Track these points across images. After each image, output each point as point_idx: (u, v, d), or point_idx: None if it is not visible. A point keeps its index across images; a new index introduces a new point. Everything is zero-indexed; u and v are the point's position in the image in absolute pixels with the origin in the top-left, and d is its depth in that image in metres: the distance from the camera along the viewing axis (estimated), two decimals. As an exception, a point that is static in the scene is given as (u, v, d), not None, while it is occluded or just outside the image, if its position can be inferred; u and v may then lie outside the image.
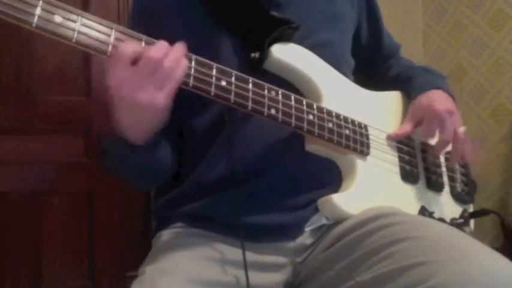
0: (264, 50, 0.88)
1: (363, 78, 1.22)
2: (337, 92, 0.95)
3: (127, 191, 1.92)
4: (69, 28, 0.68)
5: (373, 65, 1.20)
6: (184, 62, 0.74)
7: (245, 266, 0.84)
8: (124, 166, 0.90)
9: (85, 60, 1.91)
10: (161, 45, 0.72)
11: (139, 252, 1.04)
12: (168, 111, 0.77)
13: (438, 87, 1.04)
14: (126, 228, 1.96)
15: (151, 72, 0.71)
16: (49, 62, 1.88)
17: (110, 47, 0.71)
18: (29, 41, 1.85)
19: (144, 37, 0.74)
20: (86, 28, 0.69)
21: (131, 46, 0.70)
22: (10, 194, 1.84)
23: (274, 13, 0.91)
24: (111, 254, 1.94)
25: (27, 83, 1.86)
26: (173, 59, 0.72)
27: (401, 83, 1.12)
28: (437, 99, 1.00)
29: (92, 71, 1.93)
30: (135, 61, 0.71)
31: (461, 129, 1.01)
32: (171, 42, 0.76)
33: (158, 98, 0.72)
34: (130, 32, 0.73)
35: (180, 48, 0.74)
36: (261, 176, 0.91)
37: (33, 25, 0.66)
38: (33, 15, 0.66)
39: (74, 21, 0.69)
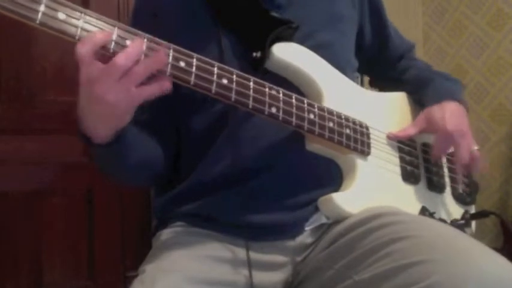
0: (265, 49, 0.88)
1: (375, 79, 1.23)
2: (338, 92, 0.95)
3: (127, 191, 1.92)
4: (72, 25, 0.69)
5: (382, 65, 1.19)
6: (160, 76, 0.73)
7: (249, 265, 0.85)
8: (103, 166, 0.90)
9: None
10: (132, 52, 0.70)
11: (139, 252, 1.04)
12: (132, 113, 0.76)
13: (454, 98, 1.04)
14: (126, 228, 1.96)
15: (119, 77, 0.70)
16: (49, 62, 1.88)
17: (113, 44, 0.71)
18: (29, 41, 1.85)
19: (146, 35, 0.74)
20: (89, 25, 0.70)
21: (89, 43, 0.68)
22: (10, 194, 1.83)
23: (274, 14, 0.91)
24: (111, 254, 1.94)
25: (27, 83, 1.86)
26: (144, 67, 0.71)
27: (417, 86, 1.11)
28: (452, 116, 1.00)
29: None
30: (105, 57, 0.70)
31: (474, 149, 1.02)
32: (173, 42, 0.76)
33: (124, 100, 0.72)
34: (133, 30, 0.73)
35: (156, 58, 0.72)
36: (262, 175, 0.91)
37: (37, 22, 0.66)
38: (37, 11, 0.66)
39: (77, 19, 0.69)
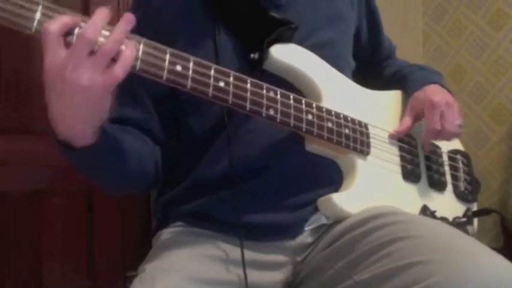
0: (263, 50, 0.88)
1: (360, 78, 1.23)
2: (337, 92, 0.95)
3: (127, 191, 1.92)
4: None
5: (371, 66, 1.20)
6: (131, 43, 0.68)
7: (243, 264, 0.85)
8: (91, 173, 0.85)
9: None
10: (97, 23, 0.65)
11: (139, 252, 1.04)
12: (111, 104, 0.70)
13: (434, 82, 1.05)
14: (126, 228, 1.96)
15: (87, 54, 0.64)
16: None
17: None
18: (29, 41, 1.84)
19: (143, 39, 0.72)
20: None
21: (58, 22, 0.64)
22: (10, 194, 1.83)
23: (273, 14, 0.91)
24: (111, 254, 1.94)
25: (27, 83, 1.86)
26: (114, 39, 0.65)
27: (398, 80, 1.12)
28: (434, 92, 1.01)
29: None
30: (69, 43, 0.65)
31: (459, 123, 1.02)
32: (172, 43, 0.75)
33: (98, 81, 0.65)
34: (131, 34, 0.70)
35: (121, 27, 0.66)
36: (261, 175, 0.91)
37: (33, 30, 0.65)
38: (32, 20, 0.65)
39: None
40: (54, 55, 0.65)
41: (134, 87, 0.91)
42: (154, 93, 0.92)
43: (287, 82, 0.91)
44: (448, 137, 1.02)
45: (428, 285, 0.70)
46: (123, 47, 0.67)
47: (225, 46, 0.91)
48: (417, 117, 1.02)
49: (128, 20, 0.67)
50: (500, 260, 0.72)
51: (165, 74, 0.72)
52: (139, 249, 1.13)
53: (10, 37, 1.81)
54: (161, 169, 0.96)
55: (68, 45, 0.65)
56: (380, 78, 1.18)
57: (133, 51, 0.68)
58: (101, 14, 0.66)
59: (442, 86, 1.06)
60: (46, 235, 1.87)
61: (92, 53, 0.65)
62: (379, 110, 1.02)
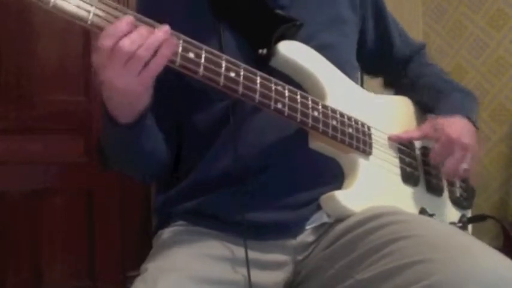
0: (271, 46, 0.89)
1: (387, 82, 1.22)
2: (341, 92, 0.96)
3: (127, 191, 1.92)
4: (85, 10, 0.70)
5: (389, 68, 1.19)
6: (165, 50, 0.73)
7: (247, 263, 0.85)
8: (117, 149, 0.90)
9: (85, 60, 1.91)
10: (137, 36, 0.71)
11: (139, 252, 1.03)
12: (150, 95, 0.79)
13: (466, 116, 1.02)
14: (126, 228, 1.96)
15: (124, 62, 0.71)
16: (49, 62, 1.88)
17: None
18: (29, 41, 1.85)
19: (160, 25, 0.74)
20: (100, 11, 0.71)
21: (111, 37, 0.70)
22: (10, 194, 1.83)
23: (278, 11, 0.91)
24: (111, 254, 1.94)
25: (27, 83, 1.86)
26: (148, 48, 0.71)
27: (432, 97, 1.10)
28: (459, 129, 0.98)
29: (92, 71, 1.93)
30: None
31: (464, 166, 0.98)
32: None
33: (133, 84, 0.73)
34: (145, 18, 0.74)
35: (157, 37, 0.72)
36: (263, 173, 0.91)
37: (50, 5, 0.67)
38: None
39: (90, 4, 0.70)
40: (97, 55, 0.72)
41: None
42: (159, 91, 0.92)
43: (292, 81, 0.91)
44: (447, 176, 1.01)
45: (429, 284, 0.70)
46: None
47: (230, 44, 0.91)
48: (426, 138, 1.02)
49: (165, 30, 0.73)
50: (500, 258, 0.72)
51: (178, 60, 0.75)
52: (139, 249, 1.13)
53: (10, 37, 1.82)
54: (169, 165, 0.99)
55: None
56: (410, 86, 1.16)
57: (168, 51, 0.73)
58: (142, 30, 0.72)
59: (471, 120, 1.03)
60: (46, 235, 1.87)
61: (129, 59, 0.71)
62: (381, 114, 1.02)
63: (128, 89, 0.73)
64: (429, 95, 1.11)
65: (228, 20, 0.93)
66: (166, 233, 0.96)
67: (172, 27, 0.74)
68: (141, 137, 0.85)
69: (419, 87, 1.14)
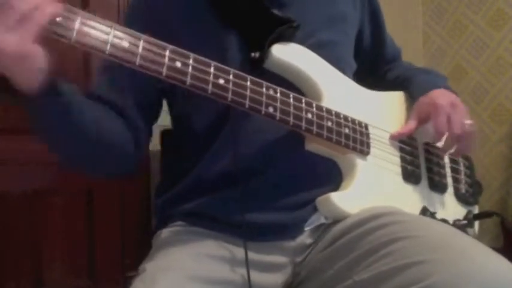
0: (264, 49, 0.88)
1: (365, 81, 1.23)
2: (338, 91, 0.95)
3: (127, 191, 1.92)
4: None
5: (375, 68, 1.20)
6: (50, 8, 0.67)
7: (247, 264, 0.85)
8: (51, 135, 0.85)
9: (85, 60, 1.91)
10: None
11: (139, 252, 1.03)
12: (44, 60, 0.72)
13: (439, 87, 1.04)
14: (125, 229, 1.96)
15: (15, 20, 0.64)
16: (49, 62, 1.87)
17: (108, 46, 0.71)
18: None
19: (143, 36, 0.73)
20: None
21: None
22: (10, 194, 1.83)
23: (275, 12, 0.91)
24: (111, 254, 1.94)
25: (27, 83, 1.86)
26: (32, 2, 0.65)
27: (402, 83, 1.12)
28: (439, 96, 1.00)
29: (92, 71, 1.93)
30: None
31: (468, 122, 1.00)
32: (174, 41, 0.76)
33: (7, 40, 0.64)
34: (132, 31, 0.72)
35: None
36: (261, 174, 0.91)
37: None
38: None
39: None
40: None
41: (114, 70, 0.90)
42: (138, 82, 0.90)
43: (288, 82, 0.91)
44: (461, 139, 0.99)
45: (428, 284, 0.70)
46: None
47: (229, 45, 0.91)
48: (422, 121, 1.02)
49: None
50: (500, 260, 0.72)
51: (164, 71, 0.73)
52: (139, 249, 1.13)
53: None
54: (138, 154, 0.94)
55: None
56: (384, 81, 1.18)
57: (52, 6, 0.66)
58: None
59: (447, 89, 1.05)
60: (46, 235, 1.87)
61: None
62: (380, 111, 1.02)
63: (8, 50, 0.65)
64: (398, 84, 1.12)
65: (227, 21, 0.92)
66: (165, 233, 0.96)
67: (171, 29, 0.74)
68: (68, 112, 0.78)
69: (388, 80, 1.17)
